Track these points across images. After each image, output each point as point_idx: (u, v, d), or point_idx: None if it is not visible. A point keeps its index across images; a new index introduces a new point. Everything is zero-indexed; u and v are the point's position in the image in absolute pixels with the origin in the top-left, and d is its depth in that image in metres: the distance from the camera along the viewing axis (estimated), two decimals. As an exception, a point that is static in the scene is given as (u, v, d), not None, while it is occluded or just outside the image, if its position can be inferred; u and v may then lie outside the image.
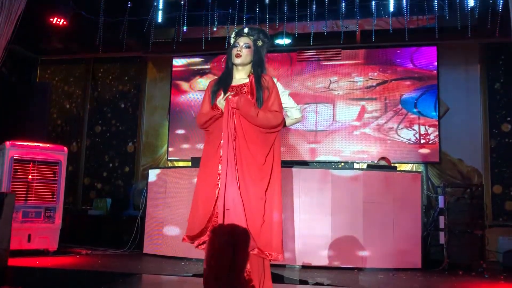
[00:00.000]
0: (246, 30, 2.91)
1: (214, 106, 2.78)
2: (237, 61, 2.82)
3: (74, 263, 4.86)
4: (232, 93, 2.77)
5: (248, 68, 2.87)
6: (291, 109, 3.76)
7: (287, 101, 3.81)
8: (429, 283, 4.31)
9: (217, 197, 2.67)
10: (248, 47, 2.83)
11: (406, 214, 5.00)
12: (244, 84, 2.83)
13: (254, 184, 2.66)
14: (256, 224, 2.62)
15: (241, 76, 2.86)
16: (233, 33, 2.94)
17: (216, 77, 3.27)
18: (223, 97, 2.75)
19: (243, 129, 2.72)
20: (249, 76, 2.86)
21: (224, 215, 2.61)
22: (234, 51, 2.82)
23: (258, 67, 2.85)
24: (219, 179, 2.69)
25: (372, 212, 4.94)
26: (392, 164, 6.14)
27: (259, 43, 2.88)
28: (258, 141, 2.72)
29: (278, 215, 2.70)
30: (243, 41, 2.84)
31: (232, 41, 2.90)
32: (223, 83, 2.84)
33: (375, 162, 6.46)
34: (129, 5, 6.32)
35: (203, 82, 7.93)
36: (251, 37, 2.86)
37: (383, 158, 6.16)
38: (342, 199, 4.96)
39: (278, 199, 2.72)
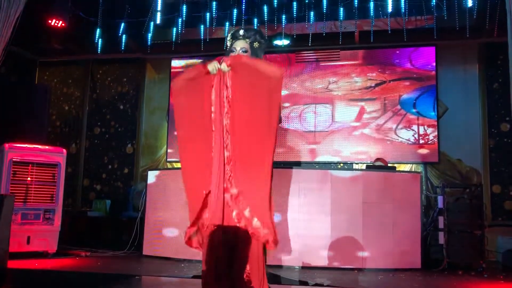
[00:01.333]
0: (241, 32, 2.88)
1: (204, 66, 2.62)
2: None
3: (73, 265, 4.86)
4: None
5: None
6: None
7: None
8: (428, 283, 4.31)
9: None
10: (245, 51, 2.81)
11: (405, 214, 4.99)
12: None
13: (246, 172, 2.59)
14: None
15: None
16: (229, 35, 2.91)
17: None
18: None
19: (238, 96, 2.55)
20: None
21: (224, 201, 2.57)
22: None
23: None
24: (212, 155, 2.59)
25: (371, 213, 4.94)
26: (392, 165, 6.14)
27: (256, 44, 2.86)
28: (256, 114, 2.54)
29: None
30: (239, 45, 2.82)
31: (228, 43, 2.87)
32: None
33: (371, 163, 6.45)
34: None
35: (202, 83, 7.91)
36: (247, 40, 2.84)
37: (378, 159, 6.16)
38: (341, 200, 4.96)
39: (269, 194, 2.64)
